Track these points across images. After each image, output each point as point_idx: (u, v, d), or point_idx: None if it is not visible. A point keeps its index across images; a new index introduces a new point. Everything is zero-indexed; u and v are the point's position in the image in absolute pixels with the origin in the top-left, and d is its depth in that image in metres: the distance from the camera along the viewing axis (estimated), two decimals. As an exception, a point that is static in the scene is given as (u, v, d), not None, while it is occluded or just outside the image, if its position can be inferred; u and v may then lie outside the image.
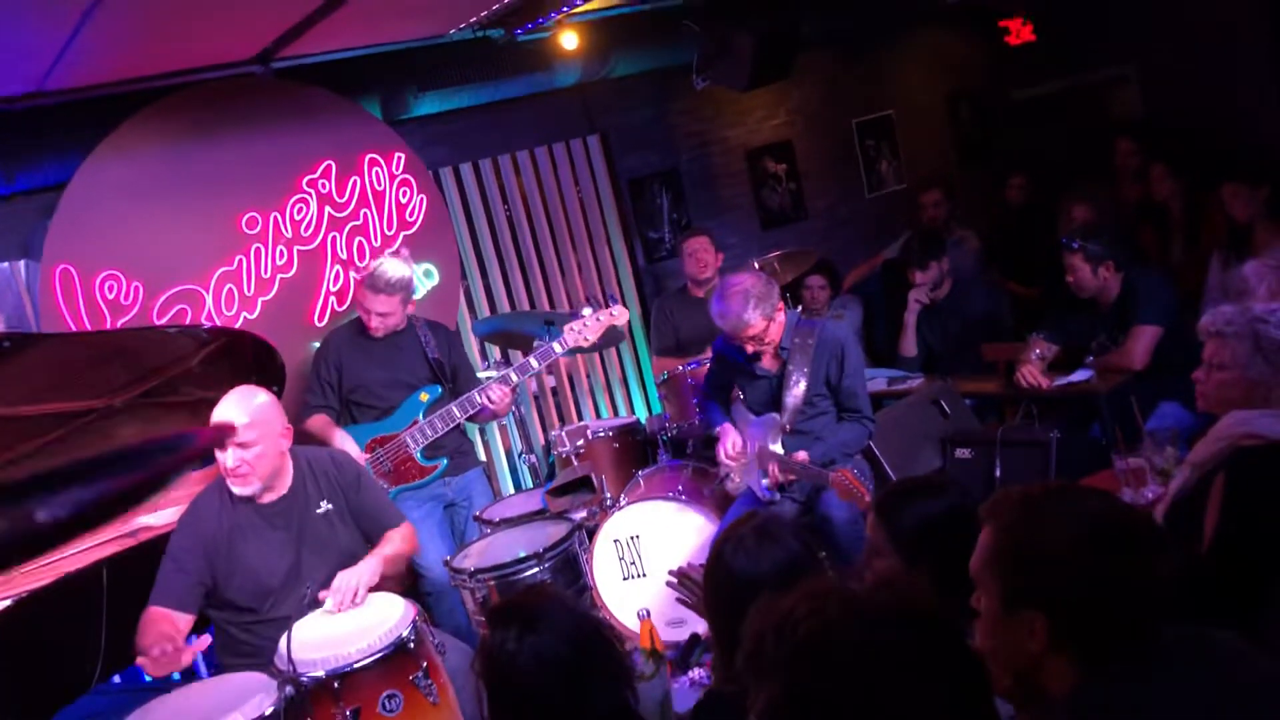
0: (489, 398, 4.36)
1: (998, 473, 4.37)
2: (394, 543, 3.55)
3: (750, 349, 4.06)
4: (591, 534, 4.38)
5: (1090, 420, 4.63)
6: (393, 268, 4.40)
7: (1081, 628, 1.54)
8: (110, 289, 4.73)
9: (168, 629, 3.15)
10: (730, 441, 4.22)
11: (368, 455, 4.37)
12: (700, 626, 3.61)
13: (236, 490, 3.39)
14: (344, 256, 5.29)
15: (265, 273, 5.10)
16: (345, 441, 4.36)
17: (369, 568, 3.35)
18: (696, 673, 3.66)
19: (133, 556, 3.64)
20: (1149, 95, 7.23)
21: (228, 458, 3.33)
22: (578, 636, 2.05)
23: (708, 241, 5.49)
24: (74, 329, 4.59)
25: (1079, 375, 4.61)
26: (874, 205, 7.52)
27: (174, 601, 3.27)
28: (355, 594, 3.24)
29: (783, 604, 1.40)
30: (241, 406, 3.34)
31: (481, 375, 4.85)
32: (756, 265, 5.17)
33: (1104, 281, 4.59)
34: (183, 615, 3.27)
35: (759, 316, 3.96)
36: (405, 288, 4.45)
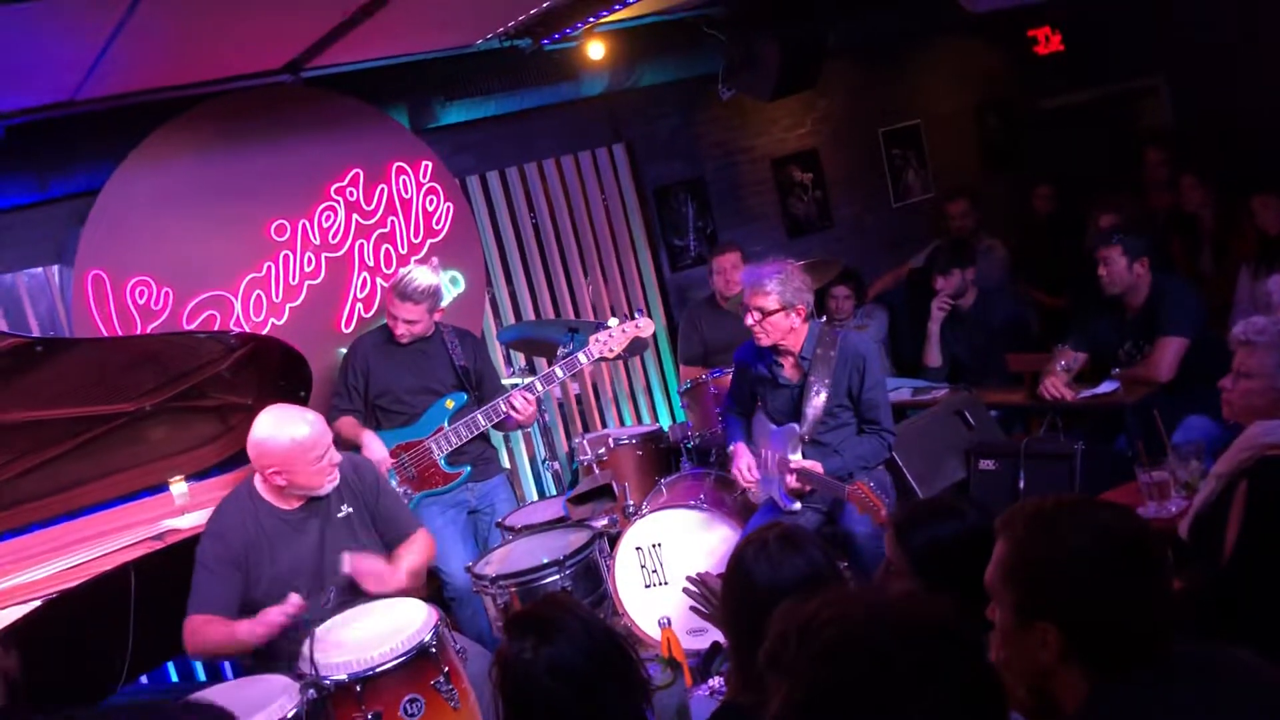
0: (513, 406, 4.38)
1: (1022, 484, 4.35)
2: (414, 554, 3.59)
3: (748, 321, 4.03)
4: (614, 541, 4.39)
5: (1116, 432, 4.58)
6: (421, 276, 4.43)
7: (1093, 640, 1.54)
8: (141, 294, 4.80)
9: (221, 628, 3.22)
10: (745, 464, 4.22)
11: (392, 461, 4.40)
12: (721, 635, 3.61)
13: (329, 489, 3.43)
14: (371, 264, 5.34)
15: (293, 279, 5.15)
16: (373, 441, 4.40)
17: (395, 569, 3.45)
18: (716, 681, 3.65)
19: (160, 559, 3.68)
20: (1178, 105, 7.17)
21: (325, 463, 3.37)
22: (594, 648, 2.05)
23: (739, 258, 5.42)
24: (105, 334, 4.65)
25: (1105, 387, 4.57)
26: (900, 214, 7.50)
27: (217, 607, 3.28)
28: (376, 576, 3.36)
29: (807, 606, 1.40)
30: (299, 415, 3.37)
31: (506, 382, 4.87)
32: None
33: (1137, 278, 4.53)
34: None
35: (775, 295, 3.95)
36: (433, 296, 4.48)
